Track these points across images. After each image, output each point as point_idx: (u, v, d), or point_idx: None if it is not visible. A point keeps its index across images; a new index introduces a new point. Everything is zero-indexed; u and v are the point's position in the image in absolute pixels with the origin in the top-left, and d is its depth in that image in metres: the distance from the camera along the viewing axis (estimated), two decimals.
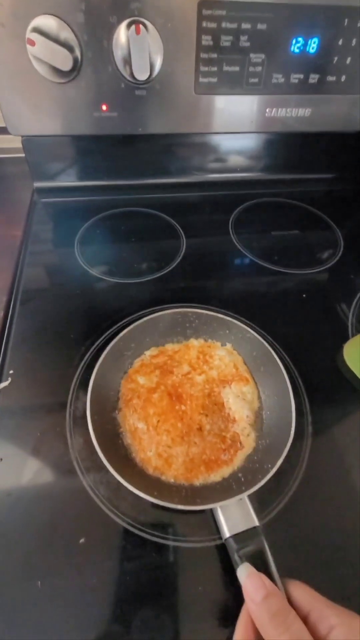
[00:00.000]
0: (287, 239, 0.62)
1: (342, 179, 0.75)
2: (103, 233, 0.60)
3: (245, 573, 0.26)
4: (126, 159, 0.65)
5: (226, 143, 0.67)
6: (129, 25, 0.45)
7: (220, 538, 0.31)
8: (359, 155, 0.73)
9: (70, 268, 0.54)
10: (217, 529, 0.32)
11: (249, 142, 0.68)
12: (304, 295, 0.53)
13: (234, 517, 0.30)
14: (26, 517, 0.33)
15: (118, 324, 0.46)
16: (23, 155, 0.62)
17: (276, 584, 0.26)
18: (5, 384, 0.40)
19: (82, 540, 0.31)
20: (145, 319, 0.42)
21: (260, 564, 0.27)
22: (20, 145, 0.60)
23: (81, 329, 0.46)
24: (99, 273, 0.54)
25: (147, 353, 0.42)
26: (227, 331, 0.43)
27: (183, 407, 0.37)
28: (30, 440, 0.37)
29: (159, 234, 0.61)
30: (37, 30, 0.43)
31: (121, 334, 0.40)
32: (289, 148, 0.70)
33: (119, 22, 0.45)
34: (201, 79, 0.52)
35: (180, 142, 0.65)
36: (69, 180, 0.66)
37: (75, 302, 0.50)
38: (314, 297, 0.53)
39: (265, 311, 0.50)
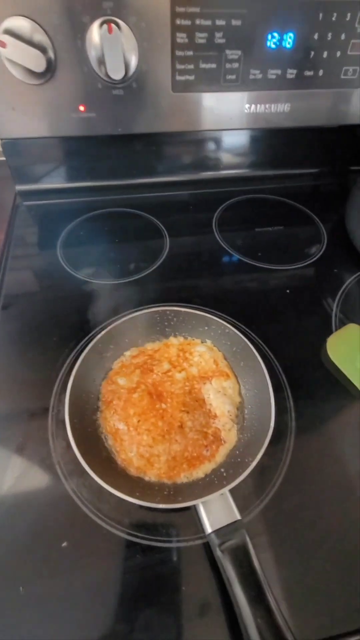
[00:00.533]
0: (271, 235, 0.62)
1: (326, 173, 0.75)
2: (86, 235, 0.60)
3: None
4: (108, 160, 0.65)
5: (209, 141, 0.67)
6: (101, 25, 0.44)
7: (205, 536, 0.31)
8: (342, 150, 0.73)
9: (53, 271, 0.54)
10: (202, 527, 0.32)
11: (231, 139, 0.68)
12: (288, 291, 0.53)
13: (216, 512, 0.30)
14: (7, 522, 0.33)
15: (99, 326, 0.45)
16: (4, 158, 0.61)
17: (259, 579, 0.26)
18: None
19: (64, 544, 0.31)
20: (122, 319, 0.41)
21: (242, 558, 0.27)
22: (0, 148, 0.60)
23: (64, 332, 0.46)
24: (82, 275, 0.53)
25: (127, 353, 0.42)
26: (206, 327, 0.43)
27: (163, 406, 0.37)
28: (13, 445, 0.37)
29: (143, 234, 0.61)
30: (9, 32, 0.43)
31: (99, 336, 0.40)
32: (271, 144, 0.70)
33: (92, 21, 0.45)
34: (178, 77, 0.52)
35: (162, 141, 0.65)
36: (51, 182, 0.65)
37: (58, 305, 0.49)
38: (297, 292, 0.53)
39: (249, 307, 0.50)
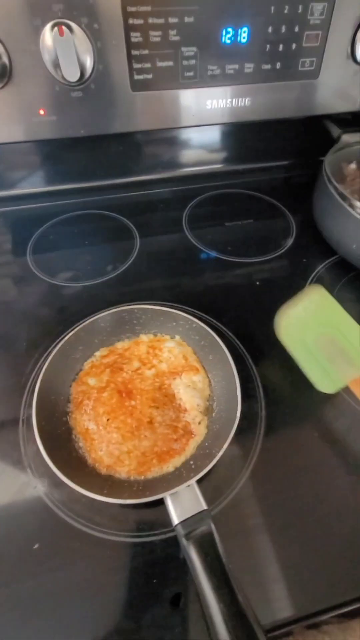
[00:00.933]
0: (241, 229, 0.63)
1: (297, 165, 0.76)
2: (56, 239, 0.60)
3: None
4: (75, 162, 0.65)
5: (176, 138, 0.67)
6: (52, 28, 0.44)
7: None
8: (310, 141, 0.74)
9: (22, 277, 0.54)
10: None
11: (199, 135, 0.69)
12: (258, 283, 0.53)
13: (183, 503, 0.30)
14: None
15: (69, 329, 0.45)
16: None
17: (224, 567, 0.27)
18: None
19: (36, 546, 0.31)
20: (88, 320, 0.42)
21: (207, 547, 0.28)
22: None
23: (33, 338, 0.46)
24: (53, 279, 0.53)
25: (97, 354, 0.42)
26: (174, 323, 0.43)
27: (133, 403, 0.38)
28: None
29: (113, 235, 0.61)
30: None
31: (65, 338, 0.40)
32: (239, 138, 0.70)
33: (43, 24, 0.45)
34: (136, 76, 0.52)
35: (128, 141, 0.65)
36: (19, 187, 0.65)
37: (26, 311, 0.49)
38: (267, 283, 0.53)
39: (218, 302, 0.50)
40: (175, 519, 0.29)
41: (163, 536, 0.32)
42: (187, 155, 0.70)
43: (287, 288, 0.53)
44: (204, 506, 0.30)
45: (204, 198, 0.68)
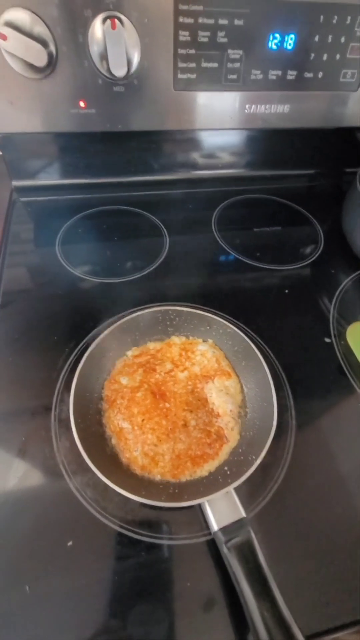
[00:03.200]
0: (269, 235, 0.63)
1: (323, 174, 0.76)
2: (85, 232, 0.60)
3: None
4: (107, 156, 0.64)
5: (208, 139, 0.67)
6: (104, 20, 0.44)
7: (209, 533, 0.32)
8: (337, 151, 0.74)
9: (51, 268, 0.53)
10: (206, 525, 0.32)
11: (230, 138, 0.68)
12: (287, 291, 0.54)
13: (221, 510, 0.30)
14: (12, 521, 0.32)
15: (101, 325, 0.45)
16: (0, 153, 0.60)
17: (264, 575, 0.27)
18: None
19: (70, 543, 0.31)
20: (125, 319, 0.42)
21: (248, 555, 0.28)
22: None
23: (64, 331, 0.45)
24: (81, 273, 0.53)
25: (129, 353, 0.42)
26: (208, 327, 0.43)
27: (167, 405, 0.38)
28: (16, 445, 0.36)
29: (142, 232, 0.61)
30: (9, 24, 0.42)
31: (101, 336, 0.40)
32: (270, 144, 0.70)
33: (94, 16, 0.44)
34: (180, 75, 0.51)
35: (161, 139, 0.64)
36: (48, 178, 0.65)
37: (57, 303, 0.49)
38: (296, 292, 0.54)
39: (248, 307, 0.50)
40: (215, 526, 0.30)
41: (196, 540, 0.32)
42: (218, 157, 0.70)
43: (315, 298, 0.53)
44: (243, 514, 0.30)
45: (233, 201, 0.68)
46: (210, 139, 0.67)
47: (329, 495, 0.36)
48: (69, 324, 0.46)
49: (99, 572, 0.31)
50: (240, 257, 0.58)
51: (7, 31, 0.42)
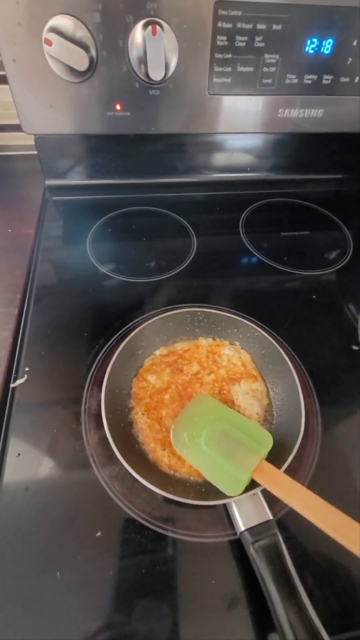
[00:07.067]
0: (297, 239, 0.63)
1: (352, 179, 0.75)
2: (114, 231, 0.61)
3: None
4: (137, 158, 0.65)
5: (237, 143, 0.67)
6: (145, 26, 0.45)
7: (233, 534, 0.32)
8: None
9: (82, 266, 0.55)
10: (230, 525, 0.32)
11: (260, 142, 0.68)
12: (314, 297, 0.53)
13: (248, 511, 0.31)
14: (43, 510, 0.34)
15: (130, 323, 0.46)
16: (35, 152, 0.62)
17: (292, 577, 0.27)
18: (21, 381, 0.41)
19: (98, 534, 0.32)
20: (155, 318, 0.42)
21: (275, 557, 0.28)
22: (32, 142, 0.60)
23: (94, 327, 0.47)
24: (111, 271, 0.54)
25: (157, 352, 0.43)
26: (235, 330, 0.44)
27: None
28: (47, 437, 0.38)
29: (170, 233, 0.62)
30: (54, 30, 0.44)
31: (132, 334, 0.41)
32: (299, 148, 0.70)
33: (135, 22, 0.46)
34: (215, 79, 0.52)
35: (192, 142, 0.65)
36: (80, 178, 0.66)
37: (88, 300, 0.50)
38: (323, 298, 0.53)
39: (274, 311, 0.50)
40: (242, 526, 0.30)
41: (220, 539, 0.33)
42: (246, 160, 0.70)
43: (343, 305, 0.53)
44: (270, 516, 0.31)
45: (261, 205, 0.68)
46: (240, 142, 0.68)
47: (354, 503, 0.35)
48: (98, 320, 0.47)
49: (127, 563, 0.31)
50: (267, 261, 0.58)
51: (52, 37, 0.44)
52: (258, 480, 0.31)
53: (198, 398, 0.38)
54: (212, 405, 0.37)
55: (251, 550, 0.29)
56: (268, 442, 0.33)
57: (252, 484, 0.32)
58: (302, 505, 0.28)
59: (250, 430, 0.34)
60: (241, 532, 0.30)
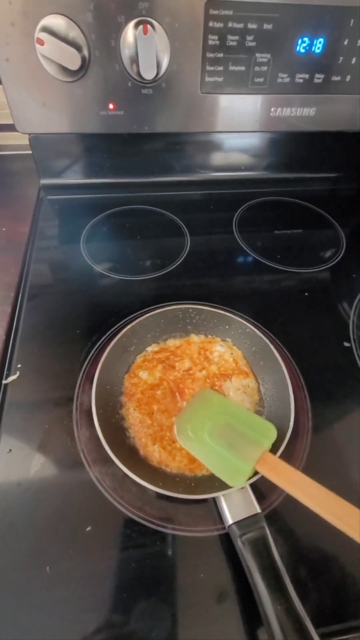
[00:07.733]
0: (290, 237, 0.63)
1: (346, 178, 0.75)
2: (109, 230, 0.61)
3: None
4: (131, 157, 0.66)
5: (231, 142, 0.68)
6: (136, 25, 0.45)
7: (223, 528, 0.32)
8: (358, 155, 0.73)
9: (76, 264, 0.55)
10: (219, 519, 0.33)
11: (254, 140, 0.69)
12: (306, 294, 0.54)
13: (237, 505, 0.31)
14: (34, 506, 0.34)
15: (122, 321, 0.47)
16: (29, 152, 0.62)
17: (278, 570, 0.28)
18: (13, 377, 0.41)
19: (88, 529, 0.33)
20: (147, 315, 0.43)
21: (262, 550, 0.28)
22: (26, 142, 0.61)
23: (87, 325, 0.47)
24: (105, 270, 0.55)
25: (149, 349, 0.43)
26: (227, 327, 0.44)
27: (185, 403, 0.38)
28: (38, 433, 0.38)
29: (164, 231, 0.62)
30: (47, 30, 0.44)
31: (124, 331, 0.41)
32: (293, 147, 0.70)
33: (127, 21, 0.46)
34: (207, 78, 0.52)
35: (186, 141, 0.65)
36: (74, 177, 0.66)
37: (81, 298, 0.51)
38: (316, 295, 0.54)
39: (267, 309, 0.51)
40: (230, 519, 0.30)
41: (210, 533, 0.33)
42: (240, 159, 0.70)
43: (335, 302, 0.53)
44: (258, 510, 0.31)
45: (254, 203, 0.68)
46: (234, 141, 0.68)
47: (343, 497, 0.35)
48: (91, 318, 0.48)
49: (116, 558, 0.32)
50: (260, 259, 0.58)
51: (44, 36, 0.44)
52: (261, 471, 0.31)
53: (201, 392, 0.38)
54: (215, 399, 0.37)
55: (239, 543, 0.29)
56: (272, 434, 0.34)
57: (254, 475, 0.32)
58: (305, 494, 0.28)
59: (254, 422, 0.35)
60: (229, 525, 0.30)
